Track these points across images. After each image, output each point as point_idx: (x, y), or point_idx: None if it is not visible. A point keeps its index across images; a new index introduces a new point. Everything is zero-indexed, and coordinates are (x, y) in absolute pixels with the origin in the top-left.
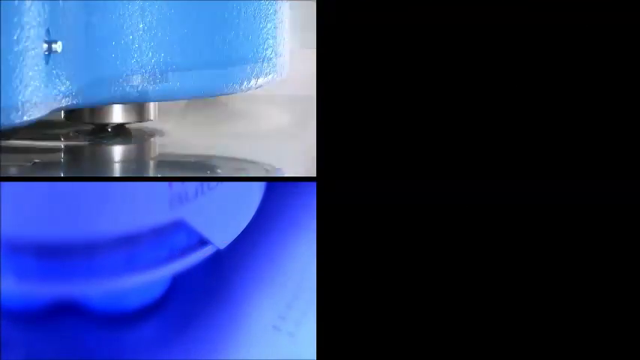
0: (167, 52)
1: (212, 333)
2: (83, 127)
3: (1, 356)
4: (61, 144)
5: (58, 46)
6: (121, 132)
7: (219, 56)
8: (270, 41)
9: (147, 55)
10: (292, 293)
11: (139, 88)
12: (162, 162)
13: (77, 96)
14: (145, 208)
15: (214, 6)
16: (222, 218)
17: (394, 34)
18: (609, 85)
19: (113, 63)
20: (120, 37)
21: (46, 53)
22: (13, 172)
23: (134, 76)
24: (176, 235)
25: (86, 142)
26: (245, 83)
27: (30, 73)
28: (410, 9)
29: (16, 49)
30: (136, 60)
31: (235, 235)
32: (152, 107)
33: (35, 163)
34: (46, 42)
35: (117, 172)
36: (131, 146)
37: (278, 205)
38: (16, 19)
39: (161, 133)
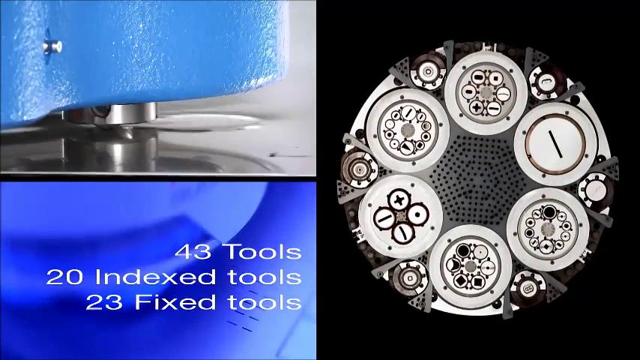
0: (167, 52)
1: (213, 330)
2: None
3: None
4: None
5: (58, 46)
6: (121, 132)
7: (219, 56)
8: (270, 41)
9: (147, 55)
10: (292, 291)
11: (139, 88)
12: (163, 160)
13: (77, 96)
14: (148, 204)
15: (214, 6)
16: (224, 213)
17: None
18: None
19: (113, 63)
20: (120, 37)
21: (46, 53)
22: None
23: (134, 76)
24: (179, 231)
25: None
26: (245, 83)
27: (30, 73)
28: None
29: (15, 49)
30: (136, 60)
31: (237, 231)
32: (152, 108)
33: (37, 161)
34: (46, 42)
35: (118, 171)
36: (132, 145)
37: (278, 204)
38: (16, 19)
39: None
